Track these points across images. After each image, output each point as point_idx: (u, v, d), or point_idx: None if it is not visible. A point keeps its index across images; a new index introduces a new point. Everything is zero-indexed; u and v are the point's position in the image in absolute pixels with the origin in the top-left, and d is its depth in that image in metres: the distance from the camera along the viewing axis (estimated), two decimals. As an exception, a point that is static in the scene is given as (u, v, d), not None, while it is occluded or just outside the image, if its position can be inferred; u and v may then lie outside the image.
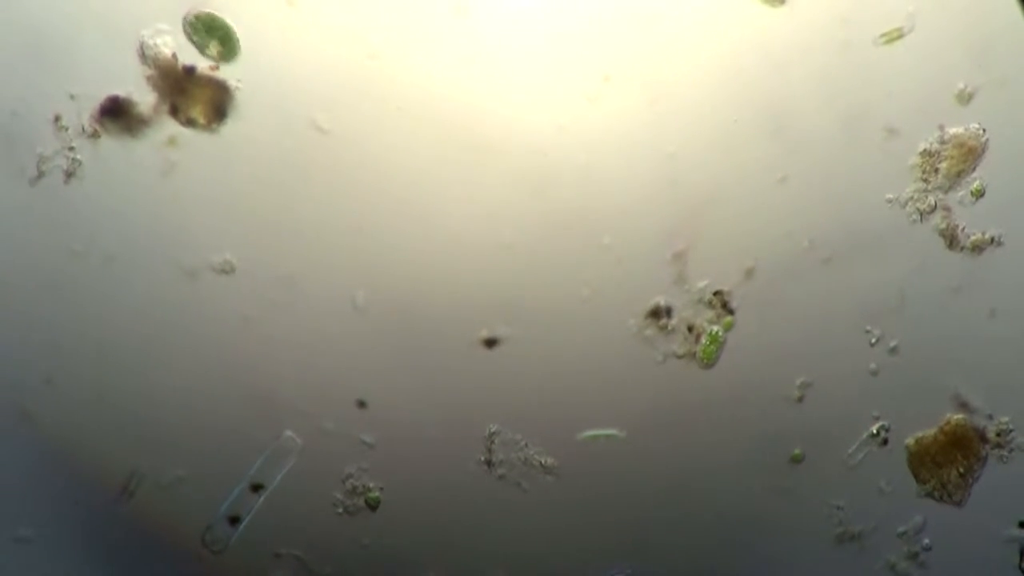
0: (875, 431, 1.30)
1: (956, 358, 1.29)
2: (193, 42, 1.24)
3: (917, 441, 1.30)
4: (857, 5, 1.26)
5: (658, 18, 1.24)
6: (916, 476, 1.30)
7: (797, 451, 1.30)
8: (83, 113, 1.26)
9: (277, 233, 1.27)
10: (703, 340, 1.29)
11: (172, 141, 1.26)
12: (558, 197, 1.27)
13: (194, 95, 1.27)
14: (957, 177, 1.28)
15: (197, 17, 1.24)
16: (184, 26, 1.24)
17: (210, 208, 1.27)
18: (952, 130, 1.27)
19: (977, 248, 1.28)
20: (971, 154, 1.27)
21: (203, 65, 1.26)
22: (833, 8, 1.27)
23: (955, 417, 1.30)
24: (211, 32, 1.25)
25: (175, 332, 1.27)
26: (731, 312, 1.29)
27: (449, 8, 1.24)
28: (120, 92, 1.26)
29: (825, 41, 1.27)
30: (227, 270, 1.28)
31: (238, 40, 1.25)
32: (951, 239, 1.28)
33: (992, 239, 1.28)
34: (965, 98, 1.27)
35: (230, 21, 1.25)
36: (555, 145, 1.26)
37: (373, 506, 1.29)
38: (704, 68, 1.25)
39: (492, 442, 1.29)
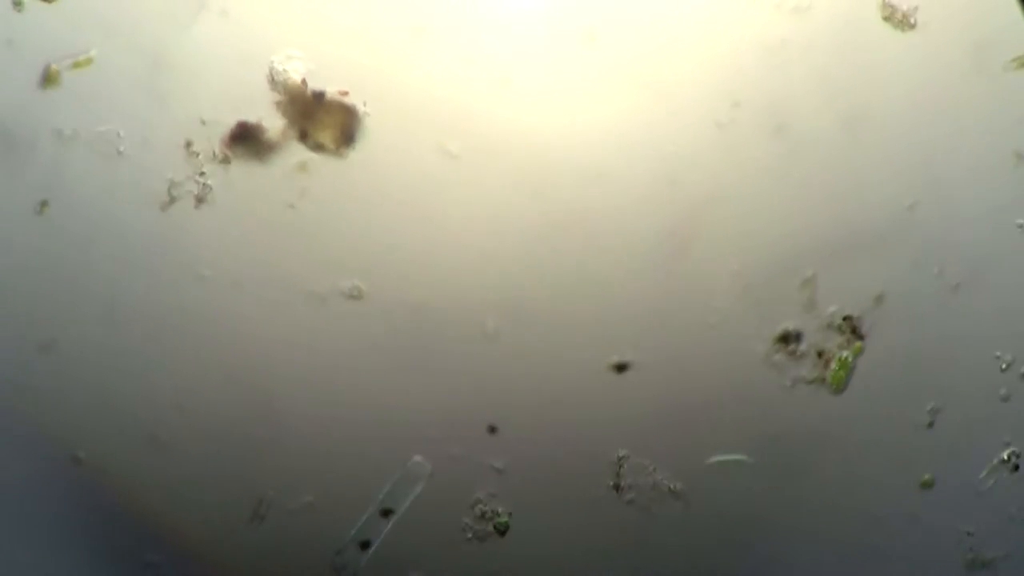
0: (1006, 457, 1.29)
1: (1089, 384, 1.29)
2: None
3: (1047, 467, 1.30)
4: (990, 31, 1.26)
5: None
6: (1047, 502, 1.30)
7: (927, 476, 1.29)
8: (214, 139, 1.26)
9: (407, 259, 1.27)
10: (833, 365, 1.28)
11: (302, 167, 1.27)
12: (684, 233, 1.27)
13: (323, 120, 1.27)
14: (1088, 201, 1.27)
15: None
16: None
17: (339, 233, 1.27)
18: (1081, 156, 1.27)
19: (1109, 274, 1.28)
20: (1101, 178, 1.27)
21: (332, 90, 1.27)
22: (961, 34, 1.27)
23: (1084, 443, 1.29)
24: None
25: (303, 358, 1.27)
26: (861, 338, 1.28)
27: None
28: (250, 118, 1.27)
29: (952, 66, 1.27)
30: (356, 296, 1.28)
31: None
32: (1082, 264, 1.28)
33: (1125, 264, 1.28)
34: (1096, 124, 1.27)
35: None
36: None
37: (502, 531, 1.29)
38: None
39: (621, 467, 1.29)
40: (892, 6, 1.25)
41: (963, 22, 1.26)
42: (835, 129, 1.26)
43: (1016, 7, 1.23)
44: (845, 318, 1.28)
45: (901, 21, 1.24)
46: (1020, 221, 1.27)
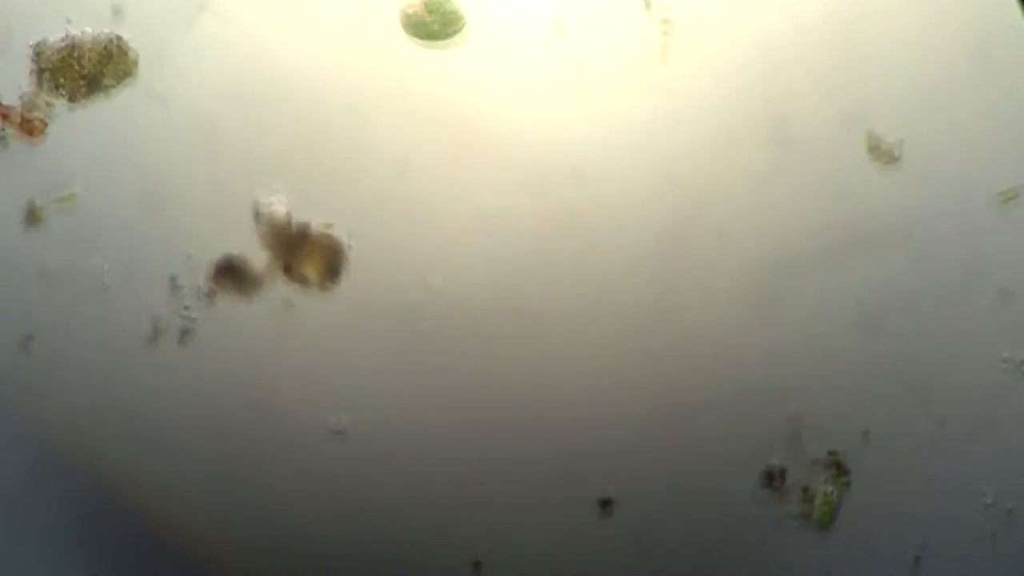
0: (992, 594, 1.29)
1: (1076, 521, 1.29)
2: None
3: (1034, 603, 1.29)
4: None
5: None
6: (1032, 638, 1.30)
7: (913, 614, 1.30)
8: (198, 273, 1.26)
9: (393, 393, 1.27)
10: (818, 501, 1.28)
11: (286, 301, 1.26)
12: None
13: (308, 254, 1.27)
14: (1073, 337, 1.27)
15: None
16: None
17: (324, 368, 1.27)
18: (1068, 290, 1.27)
19: (1092, 412, 1.28)
20: (1087, 314, 1.27)
21: (317, 223, 1.27)
22: (946, 168, 1.27)
23: (1070, 576, 1.29)
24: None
25: (288, 495, 1.27)
26: (846, 473, 1.28)
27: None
28: (235, 251, 1.26)
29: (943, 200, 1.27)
30: (340, 431, 1.27)
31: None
32: (1066, 401, 1.28)
33: (1108, 401, 1.28)
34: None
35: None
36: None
37: (486, 669, 1.29)
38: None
39: (606, 604, 1.28)
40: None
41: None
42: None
43: (1016, 7, 1.23)
44: (830, 453, 1.28)
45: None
46: (1005, 355, 1.27)
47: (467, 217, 1.26)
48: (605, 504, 1.28)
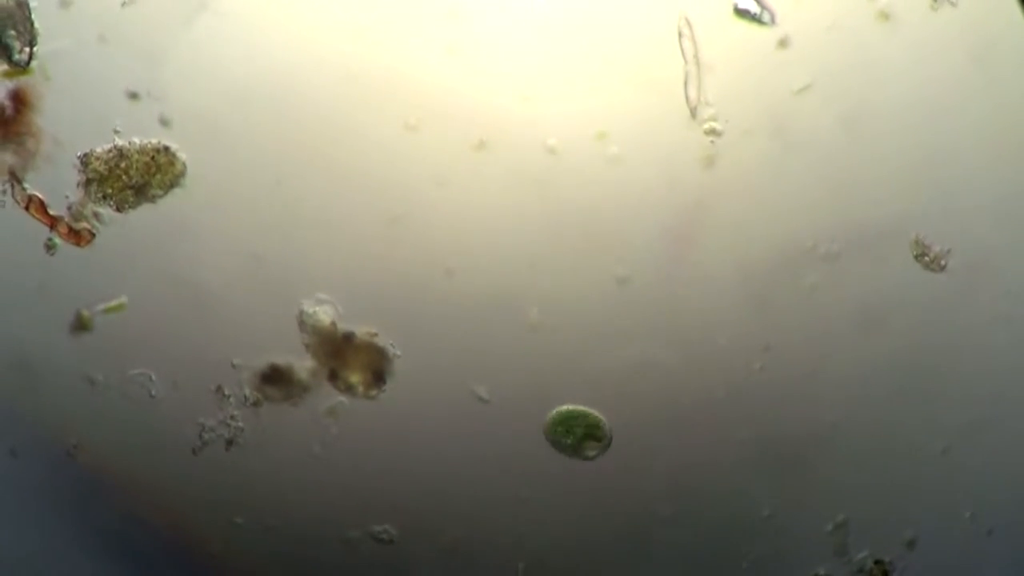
0: None
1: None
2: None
3: None
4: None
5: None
6: None
7: None
8: (244, 381, 1.27)
9: (438, 502, 1.28)
10: (866, 610, 1.28)
11: (331, 411, 1.27)
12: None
13: (353, 362, 1.28)
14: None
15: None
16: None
17: (370, 476, 1.28)
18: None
19: None
20: None
21: (362, 331, 1.27)
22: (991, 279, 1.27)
23: None
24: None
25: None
26: (893, 582, 1.28)
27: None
28: (280, 360, 1.27)
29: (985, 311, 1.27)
30: (387, 540, 1.28)
31: (397, 307, 1.27)
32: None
33: None
34: None
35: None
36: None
37: None
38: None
39: None
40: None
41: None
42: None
43: (1016, 7, 1.22)
44: (876, 562, 1.28)
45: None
46: (1049, 466, 1.27)
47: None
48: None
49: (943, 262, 1.26)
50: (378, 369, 1.28)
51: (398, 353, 1.27)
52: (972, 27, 1.23)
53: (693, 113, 1.26)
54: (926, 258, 1.26)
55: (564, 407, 1.27)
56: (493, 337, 1.27)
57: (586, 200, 1.26)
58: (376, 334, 1.27)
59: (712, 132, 1.26)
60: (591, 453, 1.27)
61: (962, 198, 1.25)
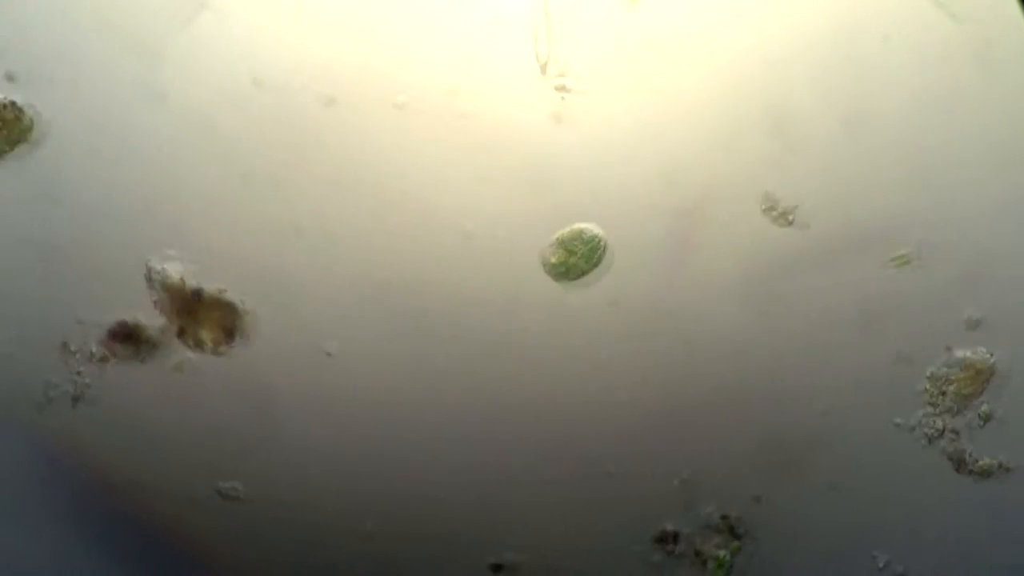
0: (884, 657, 1.30)
1: (964, 584, 1.30)
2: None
3: (929, 664, 1.30)
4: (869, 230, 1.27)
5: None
6: None
7: (805, 676, 1.30)
8: (91, 338, 1.26)
9: (286, 459, 1.27)
10: (710, 565, 1.29)
11: (179, 366, 1.26)
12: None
13: (202, 318, 1.27)
14: (965, 400, 1.28)
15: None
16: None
17: (217, 432, 1.27)
18: (960, 353, 1.27)
19: (985, 473, 1.28)
20: (979, 377, 1.28)
21: (211, 287, 1.27)
22: (840, 232, 1.27)
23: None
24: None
25: (181, 563, 1.27)
26: (739, 537, 1.29)
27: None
28: (128, 317, 1.26)
29: (835, 262, 1.27)
30: (234, 496, 1.28)
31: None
32: (959, 463, 1.28)
33: (1000, 464, 1.28)
34: (973, 323, 1.27)
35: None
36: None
37: None
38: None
39: (499, 668, 1.29)
40: None
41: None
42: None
43: (1016, 7, 1.23)
44: (723, 517, 1.29)
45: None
46: (897, 420, 1.28)
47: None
48: (497, 569, 1.28)
49: (790, 217, 1.26)
50: (228, 325, 1.28)
51: (248, 309, 1.27)
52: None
53: (543, 70, 1.26)
54: (774, 212, 1.26)
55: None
56: (342, 293, 1.27)
57: (433, 155, 1.26)
58: (226, 290, 1.27)
59: (562, 89, 1.26)
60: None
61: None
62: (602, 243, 1.26)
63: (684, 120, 1.25)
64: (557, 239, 1.26)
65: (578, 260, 1.26)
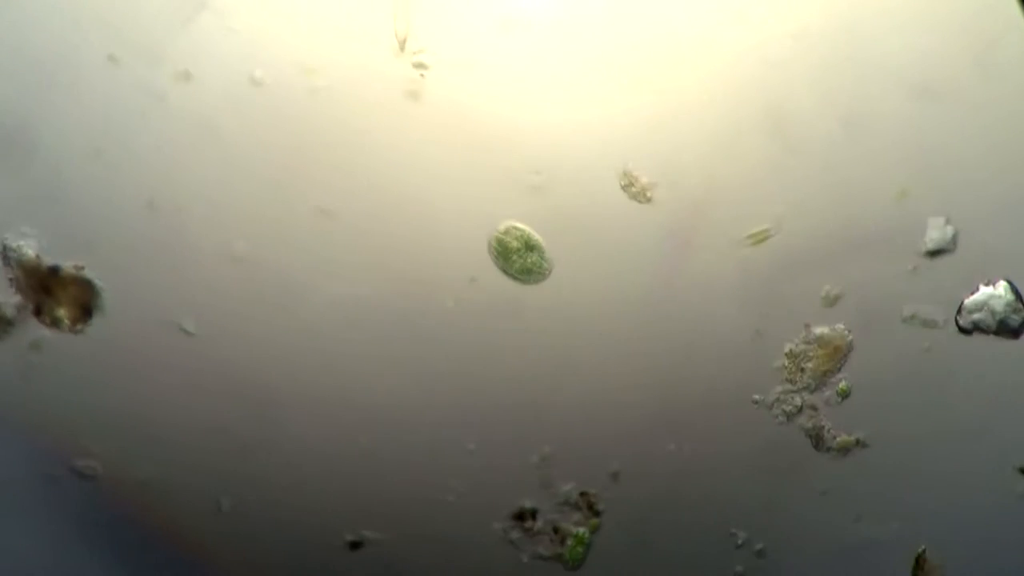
0: (743, 633, 1.30)
1: (822, 561, 1.29)
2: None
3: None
4: (724, 206, 1.27)
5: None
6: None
7: (662, 653, 1.30)
8: (-44, 315, 1.25)
9: (143, 436, 1.27)
10: (569, 542, 1.28)
11: (35, 344, 1.26)
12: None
13: (59, 295, 1.27)
14: (824, 377, 1.28)
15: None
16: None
17: (74, 410, 1.26)
18: (818, 330, 1.27)
19: (843, 450, 1.28)
20: (837, 354, 1.28)
21: (68, 265, 1.26)
22: (697, 209, 1.27)
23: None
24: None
25: (31, 542, 1.26)
26: (597, 514, 1.28)
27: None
28: (-13, 294, 1.26)
29: (689, 242, 1.27)
30: (90, 475, 1.27)
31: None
32: (817, 440, 1.28)
33: (857, 441, 1.28)
34: (831, 299, 1.27)
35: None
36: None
37: None
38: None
39: (357, 645, 1.28)
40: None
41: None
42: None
43: (1016, 7, 1.23)
44: (582, 494, 1.28)
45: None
46: (756, 397, 1.28)
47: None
48: (355, 546, 1.28)
49: (649, 194, 1.26)
50: (84, 303, 1.27)
51: (104, 287, 1.26)
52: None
53: (401, 46, 1.26)
54: (633, 188, 1.26)
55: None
56: (198, 270, 1.26)
57: (289, 132, 1.25)
58: (83, 267, 1.26)
59: (420, 66, 1.26)
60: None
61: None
62: None
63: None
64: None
65: None
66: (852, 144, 1.26)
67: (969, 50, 1.24)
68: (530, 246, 1.26)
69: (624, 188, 1.27)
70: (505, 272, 1.26)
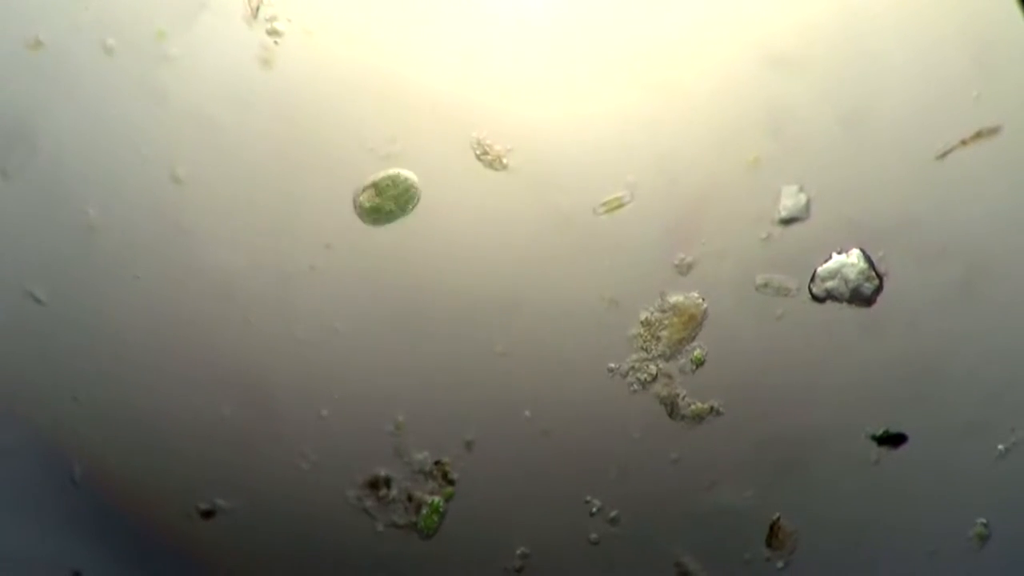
0: (598, 602, 1.30)
1: (676, 528, 1.29)
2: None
3: (643, 608, 1.30)
4: (577, 175, 1.27)
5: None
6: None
7: (517, 623, 1.30)
8: None
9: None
10: (424, 510, 1.28)
11: None
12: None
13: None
14: (678, 345, 1.28)
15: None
16: None
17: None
18: (673, 299, 1.28)
19: (697, 417, 1.29)
20: (691, 322, 1.28)
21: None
22: (552, 177, 1.27)
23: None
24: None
25: None
26: (451, 483, 1.28)
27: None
28: None
29: (544, 210, 1.27)
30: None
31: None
32: (672, 408, 1.29)
33: (712, 409, 1.28)
34: (684, 268, 1.27)
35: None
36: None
37: None
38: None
39: (211, 614, 1.28)
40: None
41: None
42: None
43: (1016, 7, 1.23)
44: (436, 463, 1.28)
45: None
46: (611, 365, 1.28)
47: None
48: (208, 515, 1.27)
49: (505, 160, 1.26)
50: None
51: (-47, 254, 1.25)
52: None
53: (254, 13, 1.26)
54: (487, 156, 1.26)
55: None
56: (51, 238, 1.25)
57: (143, 100, 1.25)
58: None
59: (274, 33, 1.25)
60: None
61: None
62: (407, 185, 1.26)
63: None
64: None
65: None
66: (708, 108, 1.26)
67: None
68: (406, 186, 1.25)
69: (479, 157, 1.27)
70: (372, 215, 1.25)
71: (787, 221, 1.27)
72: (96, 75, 1.24)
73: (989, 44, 1.25)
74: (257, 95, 1.25)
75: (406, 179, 1.26)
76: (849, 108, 1.26)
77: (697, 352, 1.28)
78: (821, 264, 1.27)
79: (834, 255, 1.27)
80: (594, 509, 1.29)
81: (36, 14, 1.24)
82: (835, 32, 1.25)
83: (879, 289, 1.27)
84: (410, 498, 1.28)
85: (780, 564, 1.30)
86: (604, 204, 1.27)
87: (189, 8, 1.25)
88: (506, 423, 1.28)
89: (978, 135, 1.25)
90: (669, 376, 1.28)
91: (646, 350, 1.28)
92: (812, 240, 1.27)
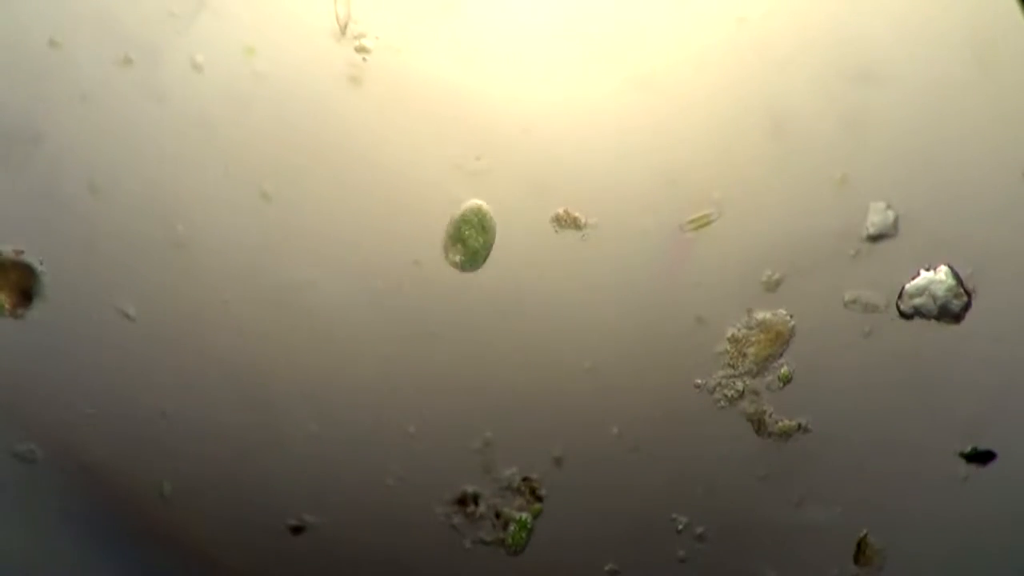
0: (684, 619, 1.30)
1: (763, 546, 1.29)
2: None
3: (729, 625, 1.30)
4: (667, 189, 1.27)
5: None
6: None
7: (606, 638, 1.30)
8: None
9: (84, 421, 1.26)
10: (511, 527, 1.28)
11: (-17, 321, 1.26)
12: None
13: (-1, 280, 1.26)
14: (765, 362, 1.28)
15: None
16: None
17: (15, 394, 1.26)
18: (760, 315, 1.28)
19: (785, 434, 1.28)
20: (778, 339, 1.28)
21: (7, 249, 1.26)
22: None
23: (766, 601, 1.30)
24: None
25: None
26: (540, 499, 1.28)
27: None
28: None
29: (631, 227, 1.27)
30: (30, 459, 1.27)
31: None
32: (759, 425, 1.29)
33: (799, 426, 1.28)
34: (772, 284, 1.27)
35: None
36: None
37: None
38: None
39: (300, 631, 1.28)
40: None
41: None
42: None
43: (1016, 7, 1.23)
44: (524, 480, 1.28)
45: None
46: (698, 381, 1.28)
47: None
48: (297, 531, 1.28)
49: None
50: (25, 288, 1.27)
51: (45, 271, 1.26)
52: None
53: (343, 30, 1.26)
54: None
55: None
56: (140, 254, 1.26)
57: (232, 116, 1.25)
58: (22, 252, 1.26)
59: (362, 50, 1.25)
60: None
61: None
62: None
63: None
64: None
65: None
66: (794, 131, 1.26)
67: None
68: (484, 227, 1.26)
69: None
70: (450, 256, 1.26)
71: (875, 238, 1.27)
72: (186, 92, 1.24)
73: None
74: (346, 112, 1.25)
75: (479, 208, 1.26)
76: (934, 124, 1.26)
77: (784, 369, 1.28)
78: (909, 281, 1.27)
79: (922, 272, 1.27)
80: (680, 526, 1.29)
81: (125, 32, 1.24)
82: (920, 46, 1.25)
83: (967, 306, 1.27)
84: (498, 515, 1.28)
85: (866, 581, 1.30)
86: (691, 221, 1.27)
87: (277, 23, 1.26)
88: (594, 439, 1.28)
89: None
90: (756, 393, 1.28)
91: (733, 367, 1.28)
92: (900, 257, 1.27)
